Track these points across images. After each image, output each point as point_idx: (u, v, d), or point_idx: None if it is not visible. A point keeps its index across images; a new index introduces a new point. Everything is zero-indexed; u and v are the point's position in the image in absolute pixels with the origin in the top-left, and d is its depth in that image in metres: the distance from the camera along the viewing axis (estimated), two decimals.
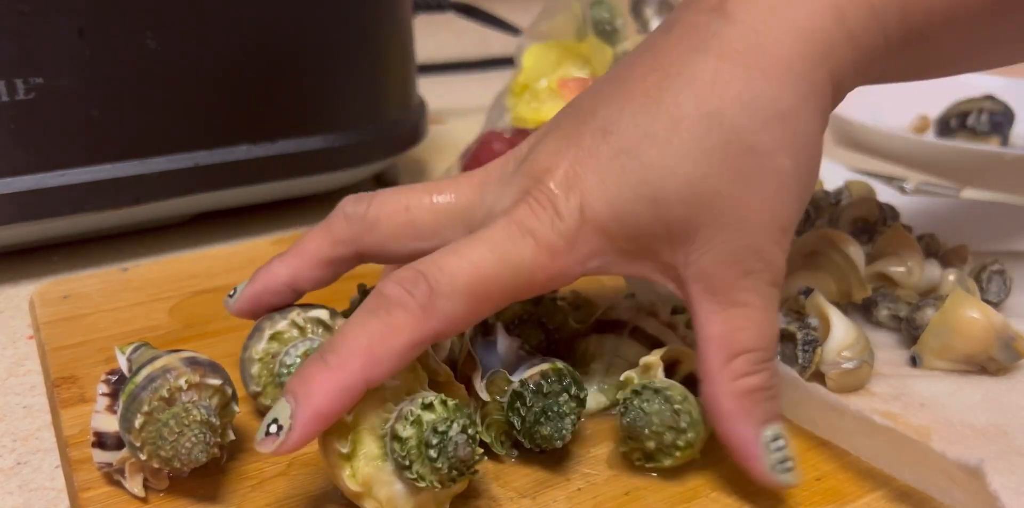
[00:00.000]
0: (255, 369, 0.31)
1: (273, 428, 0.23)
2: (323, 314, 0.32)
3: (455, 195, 0.29)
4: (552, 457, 0.29)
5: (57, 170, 0.45)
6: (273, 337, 0.31)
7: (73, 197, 0.45)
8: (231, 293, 0.31)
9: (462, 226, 0.29)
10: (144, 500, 0.27)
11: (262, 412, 0.32)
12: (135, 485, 0.27)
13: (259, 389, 0.31)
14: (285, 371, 0.30)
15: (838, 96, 0.27)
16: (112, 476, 0.28)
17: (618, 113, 0.27)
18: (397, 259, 0.30)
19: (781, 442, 0.26)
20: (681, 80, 0.26)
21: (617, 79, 0.28)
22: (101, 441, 0.27)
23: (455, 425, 0.25)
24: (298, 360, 0.30)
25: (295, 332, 0.31)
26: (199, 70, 0.47)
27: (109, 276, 0.42)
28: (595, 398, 0.32)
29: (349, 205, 0.30)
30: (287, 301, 0.31)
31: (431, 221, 0.29)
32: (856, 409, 0.28)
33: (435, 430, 0.25)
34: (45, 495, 0.32)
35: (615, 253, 0.27)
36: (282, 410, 0.24)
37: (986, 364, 0.34)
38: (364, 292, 0.35)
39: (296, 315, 0.31)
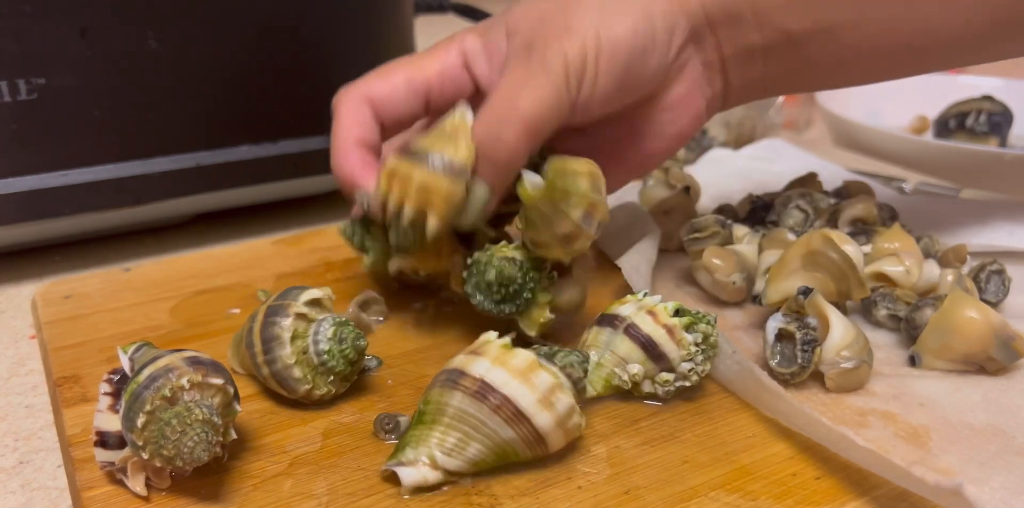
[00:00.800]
0: (298, 373, 0.31)
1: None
2: (314, 293, 0.33)
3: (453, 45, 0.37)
4: (552, 456, 0.29)
5: (59, 170, 0.45)
6: (294, 337, 0.31)
7: (75, 197, 0.45)
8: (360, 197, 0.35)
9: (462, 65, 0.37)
10: (146, 499, 0.28)
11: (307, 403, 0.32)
12: (137, 484, 0.27)
13: (309, 385, 0.31)
14: (327, 356, 0.31)
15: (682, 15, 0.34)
16: (114, 475, 0.28)
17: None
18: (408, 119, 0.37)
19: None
20: None
21: None
22: (103, 440, 0.28)
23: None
24: (331, 343, 0.31)
25: (304, 324, 0.31)
26: (201, 71, 0.47)
27: (111, 276, 0.42)
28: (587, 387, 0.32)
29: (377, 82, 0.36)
30: (370, 159, 0.35)
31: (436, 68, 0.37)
32: (840, 432, 0.28)
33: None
34: (47, 494, 0.32)
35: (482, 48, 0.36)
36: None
37: (985, 364, 0.34)
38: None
39: (296, 307, 0.32)
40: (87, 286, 0.41)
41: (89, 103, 0.45)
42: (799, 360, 0.32)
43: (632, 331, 0.32)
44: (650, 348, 0.32)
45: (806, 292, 0.33)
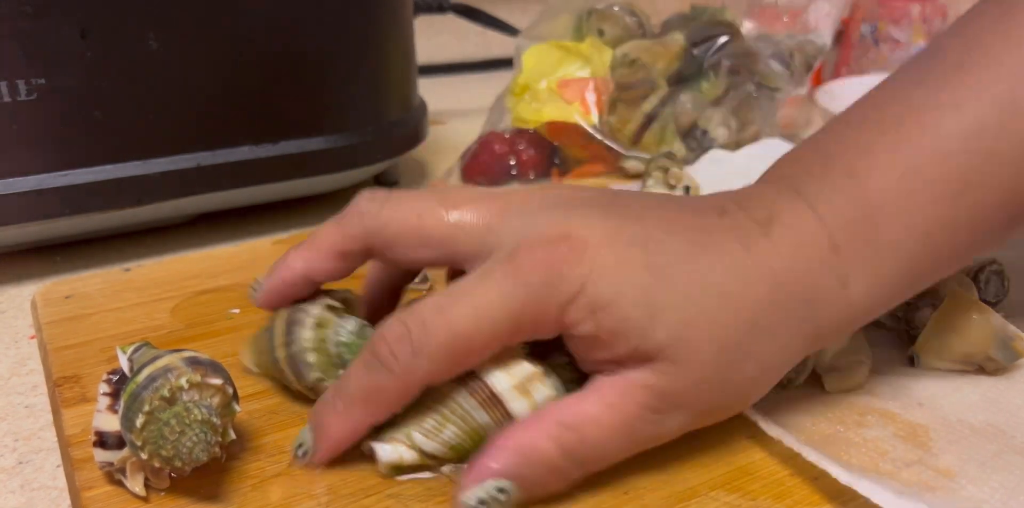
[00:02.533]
0: (312, 358, 0.31)
1: (300, 452, 0.29)
2: (347, 295, 0.33)
3: (471, 215, 0.29)
4: None
5: (59, 171, 0.45)
6: (318, 324, 0.31)
7: (75, 197, 0.45)
8: (254, 286, 0.32)
9: (474, 243, 0.29)
10: (145, 499, 0.28)
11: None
12: (136, 484, 0.27)
13: (320, 374, 0.31)
14: (344, 349, 0.31)
15: (820, 343, 0.30)
16: (113, 475, 0.28)
17: (661, 234, 0.28)
18: (403, 263, 0.31)
19: (503, 497, 0.26)
20: (720, 254, 0.28)
21: (662, 207, 0.29)
22: (102, 440, 0.28)
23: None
24: (352, 337, 0.31)
25: (331, 316, 0.32)
26: (201, 71, 0.47)
27: (111, 276, 0.42)
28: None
29: (364, 202, 0.31)
30: (304, 292, 0.32)
31: (441, 233, 0.29)
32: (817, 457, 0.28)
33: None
34: (47, 494, 0.32)
35: (588, 337, 0.27)
36: (306, 437, 0.29)
37: (984, 364, 0.34)
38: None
39: (326, 300, 0.32)
40: (88, 286, 0.41)
41: (89, 104, 0.45)
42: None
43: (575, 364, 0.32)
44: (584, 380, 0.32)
45: None
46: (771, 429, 0.30)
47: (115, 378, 0.29)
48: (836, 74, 0.81)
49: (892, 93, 0.31)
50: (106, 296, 0.40)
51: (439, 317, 0.26)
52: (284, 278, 0.31)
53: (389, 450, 0.28)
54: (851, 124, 0.31)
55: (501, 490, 0.26)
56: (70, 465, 0.30)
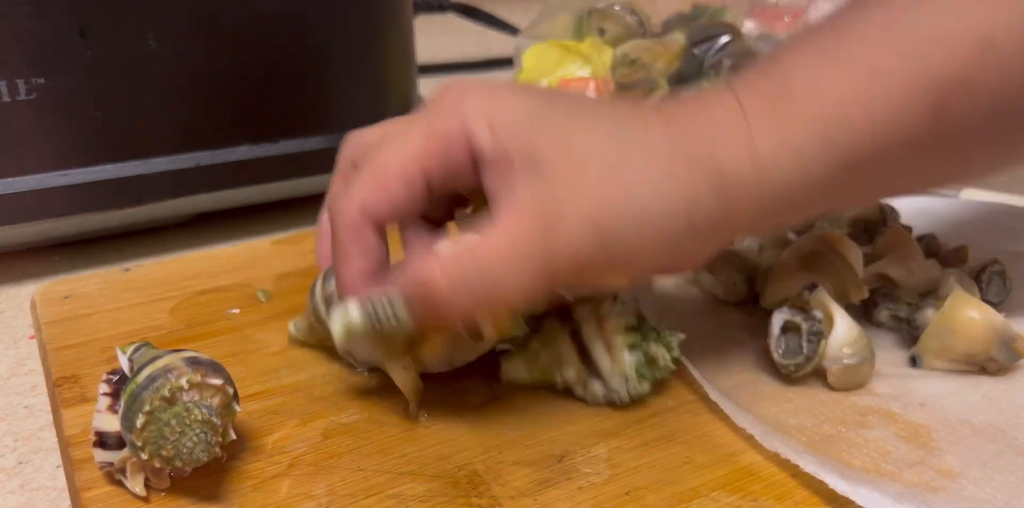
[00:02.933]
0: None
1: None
2: None
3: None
4: (552, 456, 0.29)
5: (59, 170, 0.45)
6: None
7: (75, 197, 0.45)
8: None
9: None
10: (145, 499, 0.27)
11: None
12: (136, 484, 0.27)
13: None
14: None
15: (728, 214, 0.29)
16: (113, 476, 0.28)
17: (570, 107, 0.30)
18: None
19: (389, 310, 0.29)
20: (609, 114, 0.30)
21: (588, 101, 0.31)
22: (102, 441, 0.28)
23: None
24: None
25: None
26: (200, 71, 0.47)
27: (111, 276, 0.42)
28: (520, 371, 0.33)
29: (347, 149, 0.33)
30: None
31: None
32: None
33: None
34: (47, 494, 0.32)
35: (491, 155, 0.28)
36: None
37: (986, 364, 0.34)
38: None
39: None
40: (87, 286, 0.41)
41: (89, 103, 0.44)
42: (805, 351, 0.32)
43: (575, 333, 0.32)
44: (585, 355, 0.32)
45: (812, 287, 0.33)
46: (767, 441, 0.29)
47: (115, 378, 0.29)
48: None
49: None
50: (105, 296, 0.40)
51: (367, 158, 0.30)
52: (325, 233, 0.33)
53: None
54: (788, 46, 0.32)
55: (388, 305, 0.28)
56: (70, 465, 0.29)
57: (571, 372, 0.32)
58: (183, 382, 0.26)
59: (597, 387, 0.32)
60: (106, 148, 0.46)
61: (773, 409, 0.32)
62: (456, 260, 0.27)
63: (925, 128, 0.28)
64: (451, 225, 0.33)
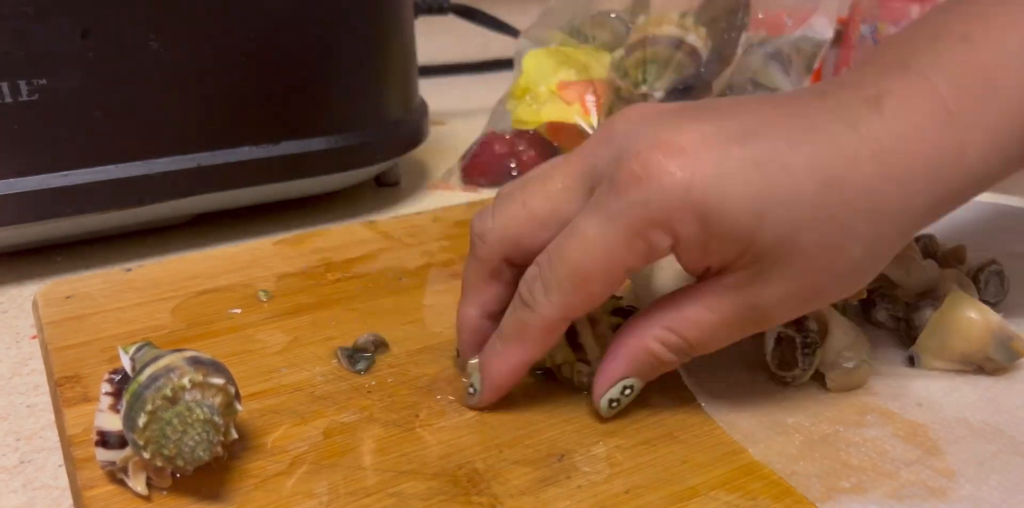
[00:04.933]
0: None
1: (471, 390, 0.32)
2: None
3: (563, 173, 0.30)
4: (552, 455, 0.30)
5: (60, 171, 0.45)
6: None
7: (76, 198, 0.45)
8: (468, 388, 0.32)
9: (582, 196, 0.29)
10: (147, 499, 0.28)
11: None
12: (138, 483, 0.28)
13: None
14: None
15: (933, 216, 0.29)
16: (115, 475, 0.28)
17: (759, 126, 0.27)
18: (538, 252, 0.31)
19: (629, 392, 0.31)
20: (825, 137, 0.27)
21: (757, 102, 0.29)
22: (104, 440, 0.28)
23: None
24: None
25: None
26: (201, 72, 0.47)
27: (112, 276, 0.42)
28: None
29: (476, 224, 0.32)
30: (490, 331, 0.32)
31: (549, 207, 0.30)
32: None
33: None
34: (49, 494, 0.32)
35: (700, 244, 0.27)
36: (475, 379, 0.32)
37: (983, 364, 0.34)
38: None
39: None
40: (88, 286, 0.41)
41: (90, 104, 0.45)
42: (800, 364, 0.32)
43: (571, 333, 0.33)
44: (571, 335, 0.33)
45: None
46: (759, 454, 0.30)
47: (117, 378, 0.29)
48: (836, 74, 0.81)
49: None
50: (107, 296, 0.41)
51: (558, 253, 0.28)
52: (470, 329, 0.33)
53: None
54: (958, 2, 0.30)
55: (625, 388, 0.30)
56: (72, 464, 0.30)
57: (559, 356, 0.33)
58: (185, 381, 0.27)
59: (584, 369, 0.32)
60: (108, 149, 0.46)
61: (770, 408, 0.32)
62: (663, 331, 0.29)
63: None
64: None
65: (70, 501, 0.31)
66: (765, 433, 0.31)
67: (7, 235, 0.47)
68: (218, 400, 0.28)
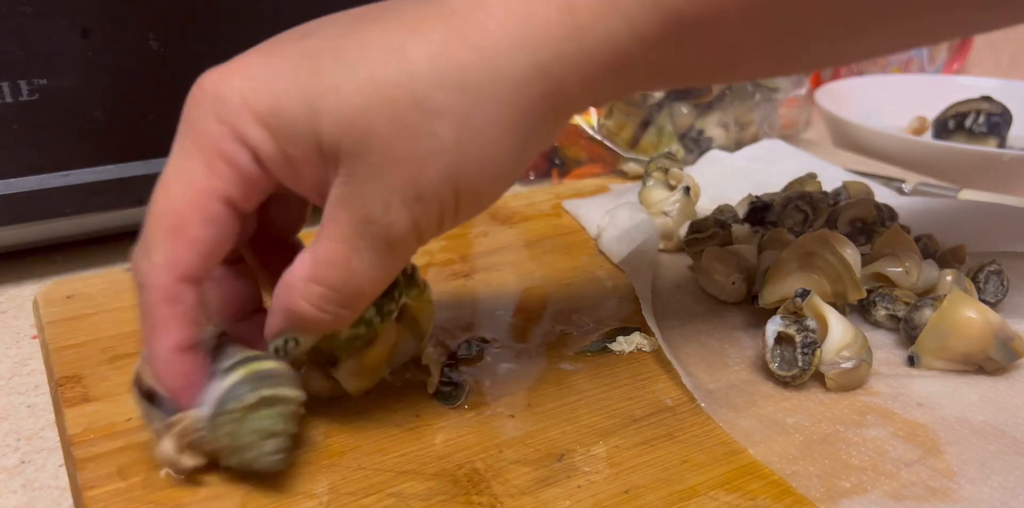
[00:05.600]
0: None
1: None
2: None
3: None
4: (552, 455, 0.30)
5: (61, 171, 0.45)
6: None
7: (76, 198, 0.45)
8: None
9: None
10: (177, 472, 0.28)
11: None
12: (169, 449, 0.27)
13: None
14: None
15: (559, 96, 0.25)
16: (152, 431, 0.28)
17: (318, 26, 0.26)
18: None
19: (292, 344, 0.28)
20: (391, 16, 0.25)
21: (333, 18, 0.27)
22: (151, 394, 0.27)
23: None
24: None
25: None
26: (201, 71, 0.47)
27: (112, 276, 0.42)
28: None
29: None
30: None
31: None
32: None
33: None
34: (49, 494, 0.32)
35: (280, 155, 0.25)
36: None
37: (984, 364, 0.34)
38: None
39: None
40: (89, 286, 0.41)
41: (91, 104, 0.45)
42: (800, 363, 0.32)
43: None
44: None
45: (803, 294, 0.34)
46: (759, 454, 0.30)
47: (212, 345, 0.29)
48: (835, 75, 0.81)
49: None
50: (107, 296, 0.41)
51: (151, 207, 0.26)
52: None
53: None
54: None
55: (288, 341, 0.28)
56: (72, 464, 0.30)
57: (344, 333, 0.30)
58: (276, 392, 0.27)
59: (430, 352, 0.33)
60: (108, 148, 0.46)
61: (771, 408, 0.32)
62: (306, 285, 0.27)
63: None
64: None
65: (70, 501, 0.31)
66: (765, 433, 0.31)
67: (7, 235, 0.47)
68: (291, 409, 0.28)
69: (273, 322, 0.28)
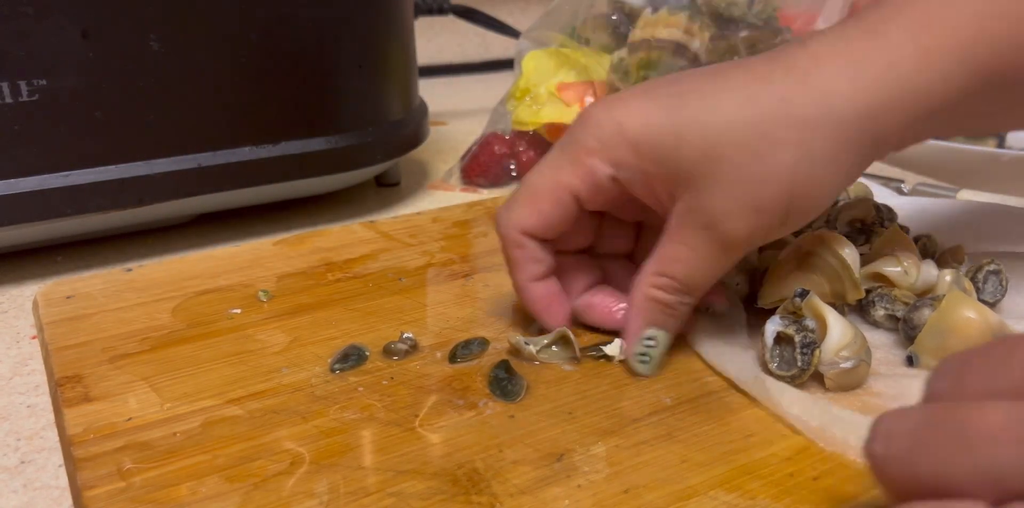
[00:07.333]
0: None
1: (645, 358, 0.34)
2: None
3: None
4: (552, 454, 0.30)
5: (61, 171, 0.45)
6: None
7: (77, 198, 0.46)
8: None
9: None
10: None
11: None
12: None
13: None
14: None
15: (879, 137, 0.31)
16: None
17: (686, 76, 0.33)
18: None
19: (652, 342, 0.34)
20: (744, 69, 0.31)
21: (702, 71, 0.33)
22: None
23: None
24: None
25: None
26: (202, 72, 0.47)
27: (113, 276, 0.42)
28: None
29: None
30: (557, 294, 0.37)
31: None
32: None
33: None
34: (49, 494, 0.32)
35: (640, 172, 0.32)
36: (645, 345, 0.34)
37: None
38: None
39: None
40: (89, 286, 0.41)
41: (91, 104, 0.45)
42: (799, 363, 0.32)
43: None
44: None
45: (803, 294, 0.34)
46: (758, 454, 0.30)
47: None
48: None
49: None
50: (107, 296, 0.41)
51: (524, 180, 0.35)
52: (539, 297, 0.37)
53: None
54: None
55: (647, 340, 0.34)
56: (72, 464, 0.30)
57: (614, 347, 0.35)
58: None
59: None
60: (108, 149, 0.46)
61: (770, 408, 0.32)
62: (653, 275, 0.33)
63: None
64: None
65: (70, 501, 0.31)
66: (765, 433, 0.31)
67: (7, 235, 0.47)
68: None
69: (629, 323, 0.34)
